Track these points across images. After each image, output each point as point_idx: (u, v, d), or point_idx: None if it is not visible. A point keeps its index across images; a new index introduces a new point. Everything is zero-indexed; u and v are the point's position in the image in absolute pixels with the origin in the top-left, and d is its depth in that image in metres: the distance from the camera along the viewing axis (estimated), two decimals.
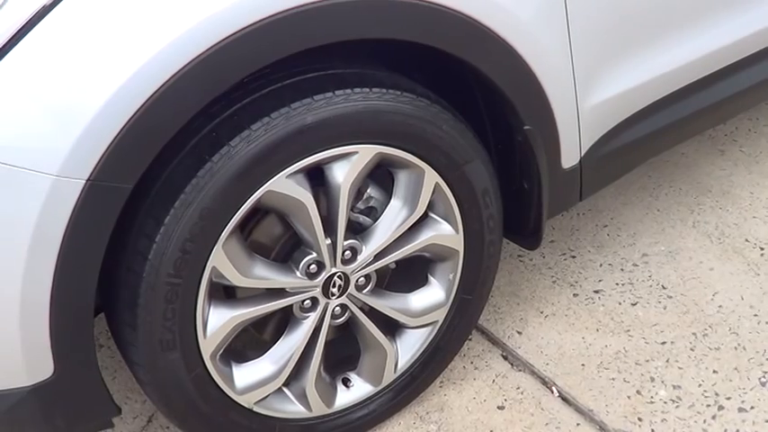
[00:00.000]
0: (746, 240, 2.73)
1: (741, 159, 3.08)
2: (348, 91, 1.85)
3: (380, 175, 2.05)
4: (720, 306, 2.52)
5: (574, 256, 2.72)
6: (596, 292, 2.59)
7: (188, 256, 1.79)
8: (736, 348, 2.39)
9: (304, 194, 1.86)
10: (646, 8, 2.21)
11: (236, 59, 1.67)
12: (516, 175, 2.23)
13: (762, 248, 2.69)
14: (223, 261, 1.84)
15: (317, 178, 1.89)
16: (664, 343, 2.42)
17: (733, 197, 2.92)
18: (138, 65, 1.58)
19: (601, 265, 2.68)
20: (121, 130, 1.61)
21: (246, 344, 2.12)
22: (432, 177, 2.01)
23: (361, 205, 2.05)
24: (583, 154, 2.26)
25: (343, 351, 2.20)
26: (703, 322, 2.47)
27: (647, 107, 2.37)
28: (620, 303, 2.55)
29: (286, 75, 1.84)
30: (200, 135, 1.79)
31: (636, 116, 2.36)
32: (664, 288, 2.59)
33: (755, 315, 2.48)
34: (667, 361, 2.36)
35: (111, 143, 1.61)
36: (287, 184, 1.83)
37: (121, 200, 1.67)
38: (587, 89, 2.18)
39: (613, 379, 2.33)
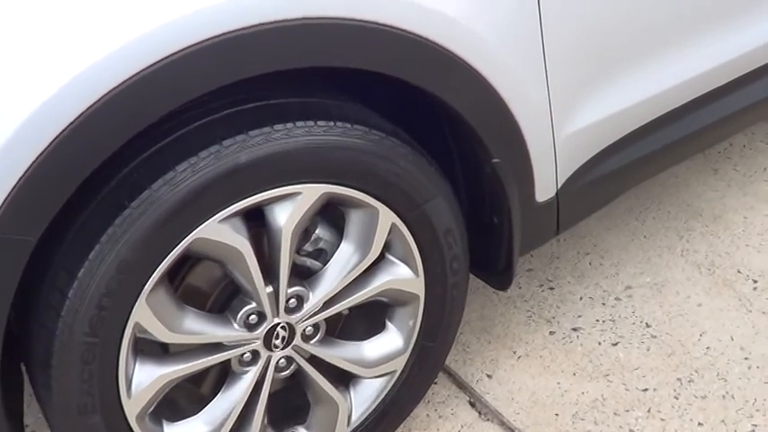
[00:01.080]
0: (738, 272, 2.54)
1: (735, 179, 2.88)
2: (289, 125, 1.65)
3: (331, 213, 1.84)
4: (708, 348, 2.33)
5: (552, 288, 2.52)
6: (575, 329, 2.40)
7: (105, 313, 1.59)
8: (723, 397, 2.20)
9: (239, 241, 1.67)
10: (627, 32, 2.02)
11: (156, 93, 1.49)
12: (486, 209, 2.01)
13: (755, 281, 2.49)
14: (147, 316, 1.65)
15: (257, 217, 1.68)
16: (645, 390, 2.22)
17: (725, 222, 2.72)
18: (37, 103, 1.38)
19: (581, 299, 2.48)
20: (21, 177, 1.41)
21: (184, 396, 1.91)
22: (387, 217, 1.82)
23: (308, 247, 1.85)
24: (560, 186, 2.07)
25: (291, 402, 2.00)
26: (689, 366, 2.28)
27: (629, 134, 2.18)
28: (599, 343, 2.35)
29: (218, 106, 1.63)
30: (117, 178, 1.57)
31: (618, 143, 2.17)
32: (648, 326, 2.39)
33: (746, 358, 2.29)
34: (649, 411, 2.17)
35: (10, 193, 1.40)
36: (219, 231, 1.64)
37: (24, 253, 1.48)
38: (565, 117, 1.99)
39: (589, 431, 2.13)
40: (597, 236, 2.70)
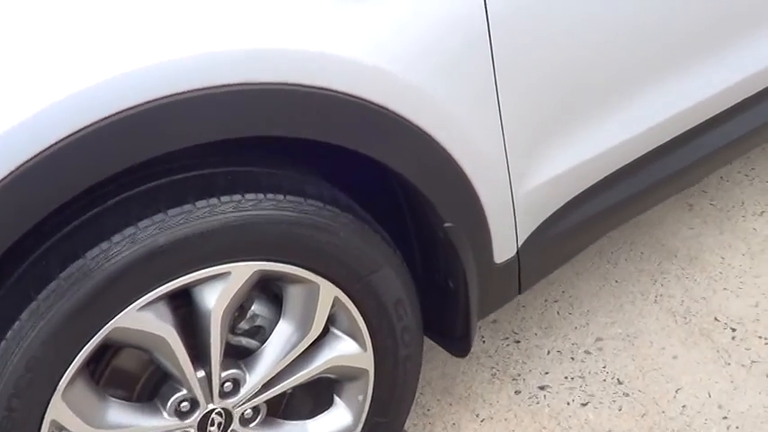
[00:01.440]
0: (716, 319, 2.40)
1: (711, 215, 2.75)
2: (214, 201, 1.50)
3: (269, 286, 1.70)
4: (684, 406, 2.19)
5: (518, 341, 2.38)
6: (542, 388, 2.25)
7: (16, 414, 1.45)
8: None
9: (164, 328, 1.53)
10: (587, 84, 1.88)
11: (62, 172, 1.32)
12: (441, 273, 1.87)
13: (733, 329, 2.36)
14: (65, 413, 1.51)
15: (186, 294, 1.54)
16: None
17: (702, 263, 2.58)
18: None
19: (548, 353, 2.34)
20: None
21: None
22: (329, 292, 1.68)
23: (244, 325, 1.71)
24: (520, 244, 1.93)
25: None
26: (664, 427, 2.14)
27: (595, 184, 2.04)
28: (568, 404, 2.21)
29: (132, 181, 1.48)
30: (23, 267, 1.42)
31: (584, 194, 2.04)
32: (619, 383, 2.25)
33: (725, 417, 2.15)
34: None
35: None
36: (140, 319, 1.50)
37: None
38: (524, 173, 1.86)
39: None
40: (566, 281, 2.56)
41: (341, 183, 1.71)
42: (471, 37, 1.66)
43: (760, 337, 2.36)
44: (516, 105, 1.78)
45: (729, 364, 2.31)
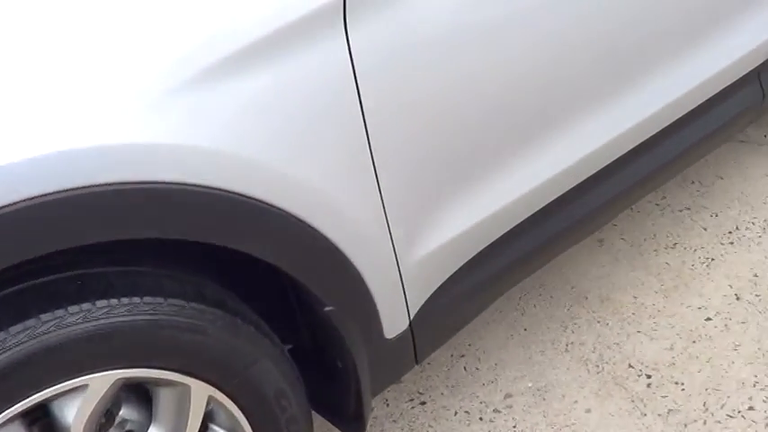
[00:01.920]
0: (630, 366, 2.32)
1: (622, 251, 2.67)
2: (60, 312, 1.37)
3: (140, 387, 1.57)
4: None
5: (424, 402, 2.28)
6: None
7: None
8: None
9: None
10: (480, 138, 1.81)
11: None
12: (329, 353, 1.76)
13: (648, 376, 2.27)
14: None
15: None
16: None
17: (614, 305, 2.50)
18: None
19: (456, 414, 2.24)
20: None
21: None
22: (201, 392, 1.56)
23: None
24: (413, 316, 1.83)
25: None
26: None
27: (496, 241, 1.93)
28: None
29: None
30: None
31: (483, 254, 1.93)
32: None
33: None
34: None
35: None
36: None
37: None
38: (412, 242, 1.76)
39: None
40: (473, 332, 2.46)
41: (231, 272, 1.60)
42: (339, 107, 1.54)
43: (676, 383, 2.28)
44: (397, 175, 1.68)
45: (645, 414, 2.23)
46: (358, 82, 1.53)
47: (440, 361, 2.41)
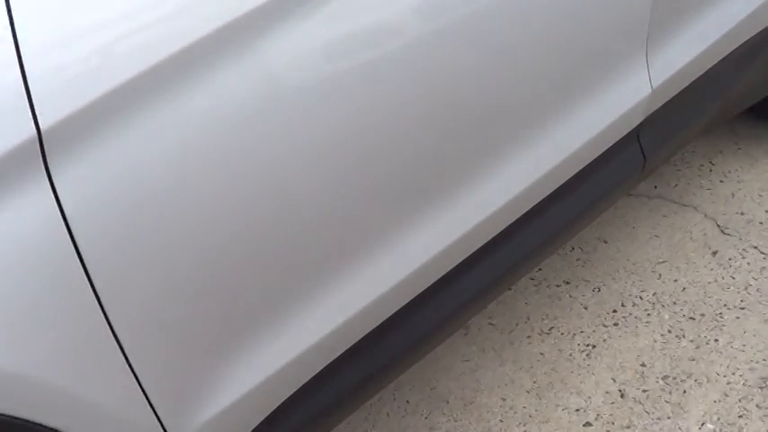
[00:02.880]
0: None
1: (491, 340, 2.33)
2: None
3: None
4: None
5: None
6: None
7: None
8: None
9: None
10: (252, 281, 1.43)
11: None
12: None
13: None
14: None
15: None
16: None
17: (478, 410, 2.16)
18: None
19: None
20: None
21: None
22: None
23: None
24: None
25: None
26: None
27: (305, 384, 1.56)
28: None
29: None
30: None
31: (290, 401, 1.56)
32: None
33: None
34: None
35: None
36: None
37: None
38: (196, 409, 1.36)
39: None
40: None
41: None
42: (53, 271, 1.16)
43: None
44: (151, 344, 1.30)
45: None
46: (75, 239, 1.15)
47: None
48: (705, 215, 2.75)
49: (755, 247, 2.62)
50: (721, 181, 2.88)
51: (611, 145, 2.13)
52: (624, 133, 2.14)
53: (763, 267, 2.54)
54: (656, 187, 2.85)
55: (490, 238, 1.84)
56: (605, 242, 2.66)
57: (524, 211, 1.94)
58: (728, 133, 3.06)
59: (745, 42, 2.41)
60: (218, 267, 1.37)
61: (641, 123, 2.18)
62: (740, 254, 2.59)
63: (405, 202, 1.64)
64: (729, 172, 2.91)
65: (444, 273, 1.77)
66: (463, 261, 1.80)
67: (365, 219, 1.57)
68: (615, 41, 2.02)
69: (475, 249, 1.82)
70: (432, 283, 1.75)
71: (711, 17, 2.24)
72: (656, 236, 2.67)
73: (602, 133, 2.07)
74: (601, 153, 2.11)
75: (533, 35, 1.77)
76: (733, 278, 2.50)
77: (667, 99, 2.20)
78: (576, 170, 2.04)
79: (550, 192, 2.00)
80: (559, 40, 1.84)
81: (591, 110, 2.02)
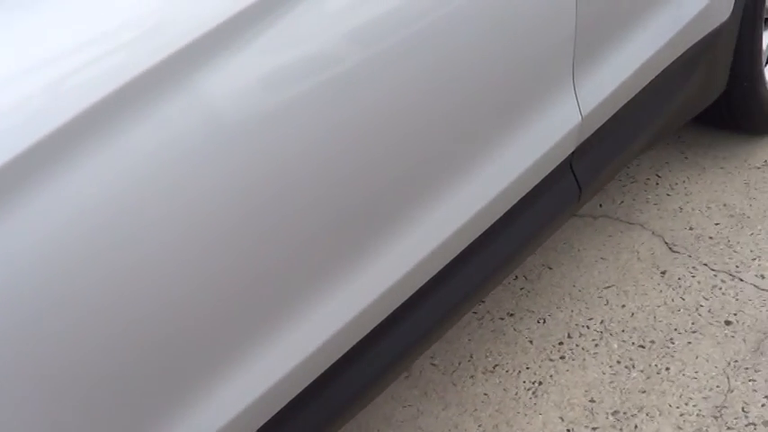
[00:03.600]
0: None
1: (433, 381, 2.26)
2: None
3: None
4: None
5: None
6: None
7: None
8: None
9: None
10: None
11: None
12: None
13: None
14: None
15: None
16: None
17: None
18: None
19: None
20: None
21: None
22: None
23: None
24: None
25: None
26: None
27: None
28: None
29: None
30: None
31: None
32: None
33: None
34: None
35: None
36: None
37: None
38: None
39: None
40: None
41: None
42: None
43: None
44: None
45: None
46: None
47: None
48: (653, 232, 2.68)
49: (705, 264, 2.55)
50: (668, 194, 2.81)
51: (544, 176, 2.06)
52: (557, 163, 2.07)
53: (714, 285, 2.48)
54: (600, 205, 2.79)
55: (424, 282, 1.78)
56: (550, 268, 2.59)
57: (459, 252, 1.87)
58: (675, 142, 3.01)
59: (678, 58, 2.35)
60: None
61: (573, 152, 2.11)
62: (690, 272, 2.53)
63: (326, 263, 1.58)
64: (676, 184, 2.85)
65: (382, 318, 1.70)
66: (403, 303, 1.74)
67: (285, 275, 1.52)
68: (541, 72, 1.95)
69: (412, 293, 1.76)
70: (367, 332, 1.68)
71: (638, 40, 2.18)
72: (602, 258, 2.60)
73: (535, 165, 2.01)
74: (535, 185, 2.04)
75: (456, 71, 1.71)
76: (683, 299, 2.44)
77: (598, 126, 2.13)
78: (509, 206, 1.97)
79: (485, 229, 1.93)
80: (484, 75, 1.77)
81: (521, 143, 1.95)
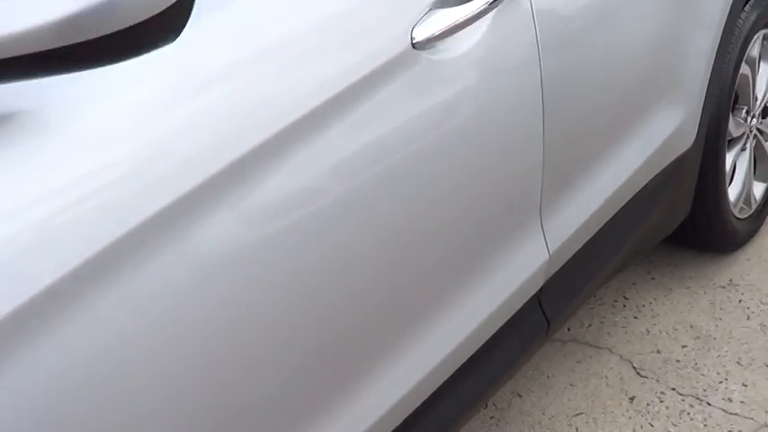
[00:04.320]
0: None
1: None
2: None
3: None
4: None
5: None
6: None
7: None
8: None
9: None
10: None
11: None
12: None
13: None
14: None
15: None
16: None
17: None
18: None
19: None
20: None
21: None
22: None
23: None
24: None
25: None
26: None
27: None
28: None
29: None
30: None
31: None
32: None
33: None
34: None
35: None
36: None
37: None
38: None
39: None
40: None
41: None
42: None
43: None
44: None
45: None
46: None
47: None
48: (620, 357, 2.72)
49: (673, 389, 2.59)
50: (635, 317, 2.85)
51: (513, 314, 2.09)
52: (525, 301, 2.11)
53: (682, 411, 2.51)
54: (569, 329, 2.82)
55: (397, 425, 1.80)
56: (520, 396, 2.61)
57: (429, 393, 1.89)
58: (642, 262, 3.05)
59: (644, 187, 2.41)
60: None
61: (541, 288, 2.14)
62: (658, 397, 2.56)
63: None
64: (643, 306, 2.89)
65: None
66: None
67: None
68: (509, 213, 2.00)
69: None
70: None
71: (604, 173, 2.24)
72: (571, 384, 2.63)
73: (504, 304, 2.04)
74: (503, 324, 2.07)
75: (426, 213, 1.74)
76: (651, 425, 2.47)
77: (565, 261, 2.17)
78: (479, 346, 2.00)
79: (456, 369, 1.95)
80: (452, 216, 1.81)
81: (490, 283, 1.98)
